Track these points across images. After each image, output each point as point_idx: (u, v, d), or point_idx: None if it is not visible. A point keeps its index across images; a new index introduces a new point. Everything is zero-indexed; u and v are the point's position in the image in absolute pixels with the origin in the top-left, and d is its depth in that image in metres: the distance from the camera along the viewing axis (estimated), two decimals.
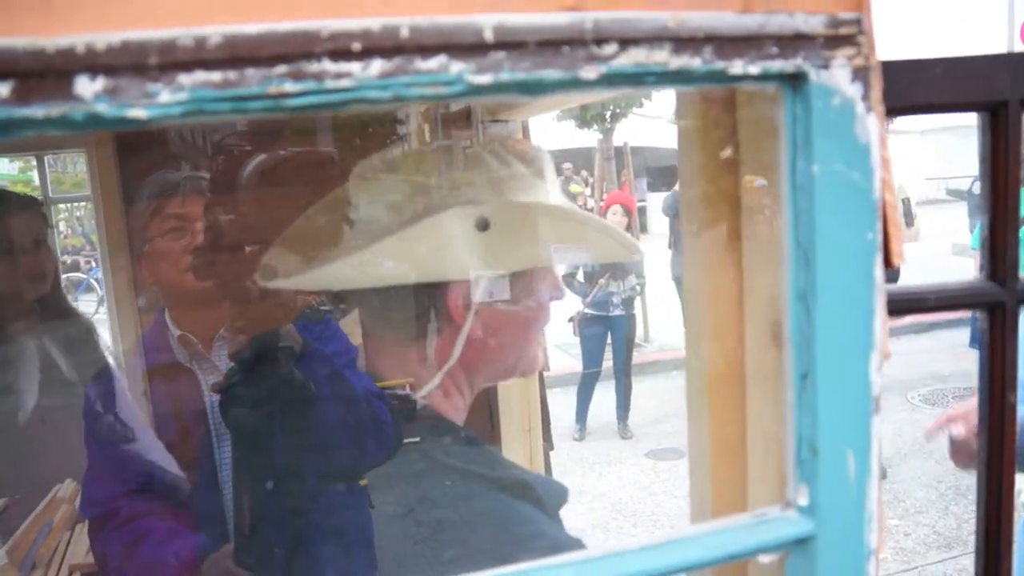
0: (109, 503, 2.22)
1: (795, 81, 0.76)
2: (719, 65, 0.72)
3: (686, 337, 1.04)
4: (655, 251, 10.66)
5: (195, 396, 2.08)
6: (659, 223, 26.40)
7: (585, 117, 20.77)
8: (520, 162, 1.43)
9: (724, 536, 0.81)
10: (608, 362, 9.42)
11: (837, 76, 0.76)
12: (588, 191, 22.21)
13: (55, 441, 3.13)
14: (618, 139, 18.28)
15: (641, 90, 0.74)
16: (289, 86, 0.62)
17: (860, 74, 0.77)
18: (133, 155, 3.44)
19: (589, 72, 0.68)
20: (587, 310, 9.09)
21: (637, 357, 10.15)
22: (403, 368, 1.47)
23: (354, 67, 0.63)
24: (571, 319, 9.22)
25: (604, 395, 9.35)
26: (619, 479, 8.19)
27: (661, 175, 29.27)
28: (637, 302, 9.86)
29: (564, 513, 1.60)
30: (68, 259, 19.01)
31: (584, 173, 24.23)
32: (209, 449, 2.00)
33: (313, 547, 1.42)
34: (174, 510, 2.03)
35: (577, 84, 0.69)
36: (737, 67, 0.73)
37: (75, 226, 23.15)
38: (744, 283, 0.97)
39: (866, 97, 0.78)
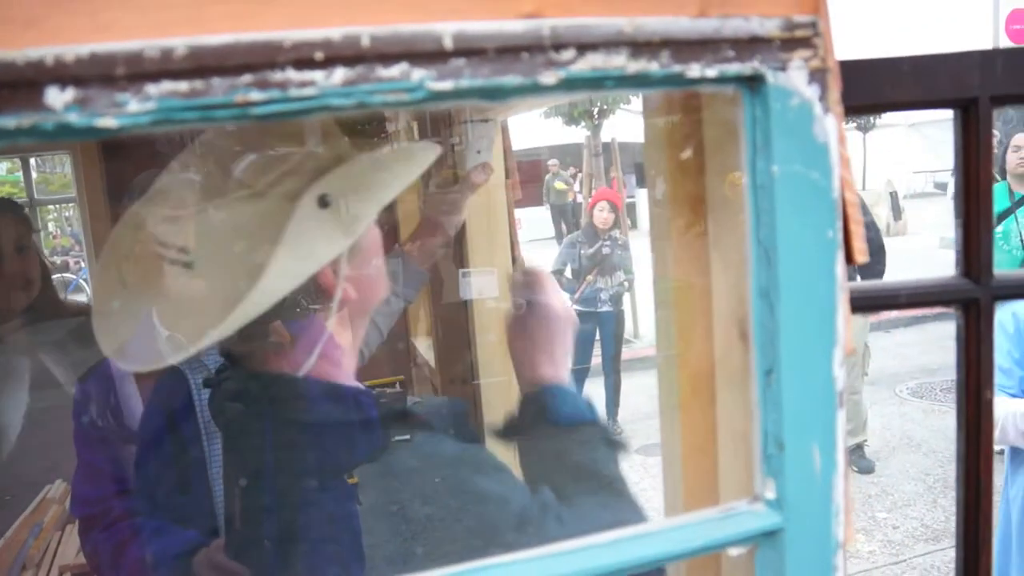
0: (99, 502, 2.22)
1: (753, 83, 0.78)
2: (676, 69, 0.74)
3: (657, 336, 1.06)
4: (645, 248, 10.65)
5: (184, 395, 2.08)
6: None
7: (573, 114, 20.78)
8: (313, 129, 1.43)
9: (692, 530, 0.83)
10: (597, 358, 9.41)
11: (794, 78, 0.78)
12: (577, 186, 22.20)
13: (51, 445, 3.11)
14: (606, 135, 18.26)
15: (602, 93, 0.75)
16: (254, 95, 0.63)
17: (817, 75, 0.79)
18: (118, 156, 3.45)
19: (548, 77, 0.70)
20: (575, 306, 9.08)
21: (627, 353, 10.14)
22: (278, 352, 1.47)
23: (317, 75, 0.64)
24: None
25: (593, 391, 9.34)
26: None
27: None
28: (626, 298, 9.86)
29: None
30: (58, 259, 18.97)
31: (572, 169, 24.22)
32: (199, 447, 2.01)
33: (300, 542, 1.43)
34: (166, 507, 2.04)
35: (536, 89, 0.70)
36: (694, 70, 0.74)
37: (63, 226, 23.08)
38: (712, 282, 0.98)
39: (824, 98, 0.79)
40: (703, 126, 0.96)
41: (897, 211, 22.49)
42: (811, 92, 0.79)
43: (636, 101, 20.75)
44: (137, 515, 1.95)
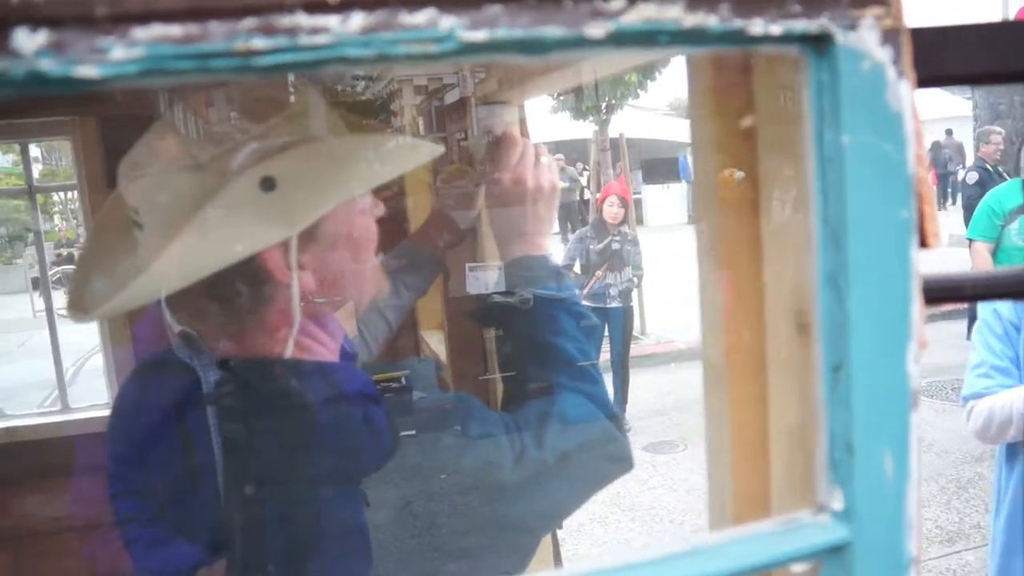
0: (99, 505, 2.15)
1: (819, 43, 0.69)
2: (737, 24, 0.65)
3: (702, 329, 0.97)
4: (651, 244, 10.61)
5: (194, 394, 2.01)
6: (655, 215, 26.45)
7: (581, 108, 20.72)
8: (281, 108, 1.37)
9: (752, 544, 0.74)
10: (605, 354, 9.35)
11: (865, 38, 0.69)
12: (584, 181, 22.20)
13: None
14: (613, 131, 18.22)
15: (654, 52, 0.66)
16: (258, 42, 0.55)
17: (890, 36, 0.70)
18: (119, 141, 3.38)
19: (595, 29, 0.61)
20: (584, 302, 9.01)
21: (634, 349, 10.08)
22: (254, 344, 1.41)
23: (332, 21, 0.56)
24: None
25: None
26: None
27: (656, 167, 29.30)
28: (634, 294, 9.79)
29: None
30: (64, 251, 19.14)
31: (579, 165, 24.24)
32: (208, 450, 1.93)
33: (307, 556, 1.36)
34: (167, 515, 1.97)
35: (581, 43, 0.62)
36: (757, 26, 0.66)
37: (69, 219, 23.24)
38: (764, 269, 0.90)
39: (897, 61, 0.71)
40: (756, 97, 0.87)
41: None
42: (884, 54, 0.70)
43: (644, 96, 20.78)
44: (135, 521, 1.88)
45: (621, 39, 0.62)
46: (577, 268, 9.07)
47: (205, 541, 1.74)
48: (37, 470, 3.26)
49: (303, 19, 0.55)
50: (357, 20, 0.56)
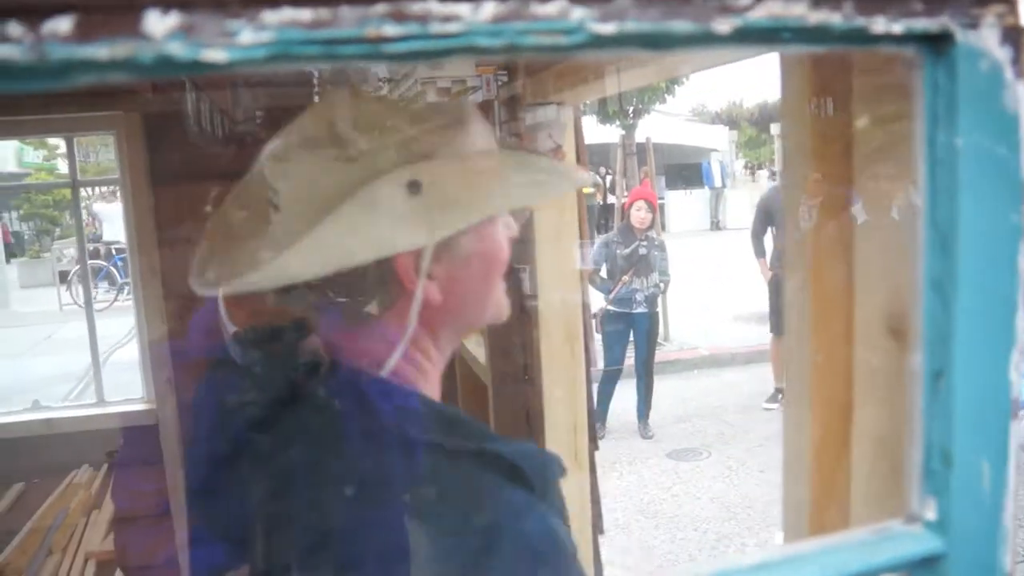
0: (134, 498, 2.14)
1: (938, 43, 0.68)
2: (860, 22, 0.65)
3: (788, 334, 0.96)
4: (674, 250, 10.54)
5: (246, 396, 2.00)
6: (678, 221, 26.40)
7: (607, 112, 20.66)
8: (437, 114, 1.34)
9: (841, 553, 0.73)
10: (629, 360, 9.32)
11: (986, 36, 0.68)
12: (607, 184, 22.16)
13: None
14: (640, 135, 18.17)
15: (775, 49, 0.66)
16: (389, 29, 0.54)
17: (1010, 35, 0.69)
18: (162, 139, 3.40)
19: (722, 25, 0.61)
20: (610, 307, 8.98)
21: (657, 356, 10.04)
22: (361, 347, 1.38)
23: (463, 9, 0.55)
24: (594, 315, 9.09)
25: (624, 393, 9.25)
26: (640, 479, 8.07)
27: (678, 173, 29.26)
28: (659, 300, 9.77)
29: None
30: (91, 246, 19.29)
31: (602, 169, 24.19)
32: (247, 454, 1.92)
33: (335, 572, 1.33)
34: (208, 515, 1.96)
35: (708, 39, 0.61)
36: (879, 25, 0.65)
37: (96, 215, 23.38)
38: (856, 273, 0.88)
39: (1016, 61, 0.69)
40: (853, 100, 0.86)
41: None
42: (1003, 54, 0.69)
43: (672, 101, 20.71)
44: (191, 517, 1.87)
45: (746, 35, 0.62)
46: (603, 273, 9.05)
47: (238, 545, 1.73)
48: (73, 461, 3.28)
49: (435, 6, 0.55)
50: (488, 9, 0.55)
